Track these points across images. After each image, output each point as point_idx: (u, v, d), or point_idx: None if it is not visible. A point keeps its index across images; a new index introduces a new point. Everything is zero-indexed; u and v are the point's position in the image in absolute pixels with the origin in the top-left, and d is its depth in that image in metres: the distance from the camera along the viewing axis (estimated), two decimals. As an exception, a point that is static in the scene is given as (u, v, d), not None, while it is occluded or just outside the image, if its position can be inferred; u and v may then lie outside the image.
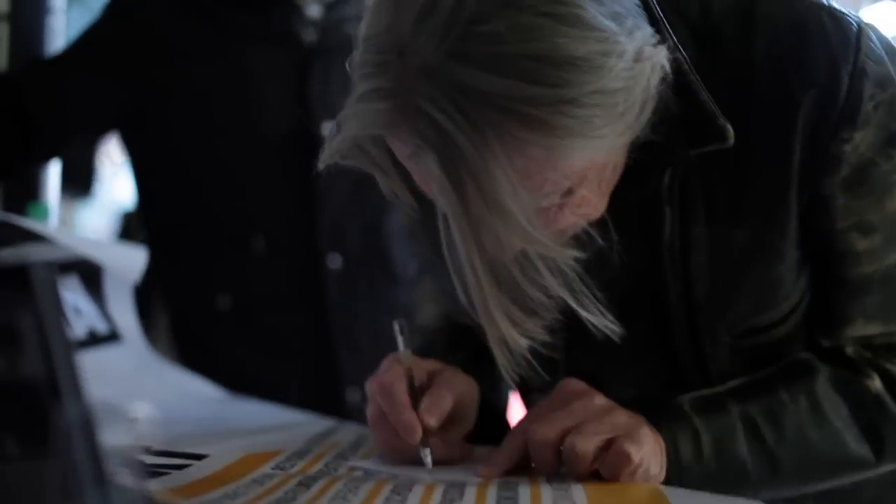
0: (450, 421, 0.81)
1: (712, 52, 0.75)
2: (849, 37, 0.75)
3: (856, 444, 0.79)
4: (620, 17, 0.63)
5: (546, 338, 0.68)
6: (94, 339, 1.13)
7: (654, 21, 0.70)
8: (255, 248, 1.31)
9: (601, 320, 0.68)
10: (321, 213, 1.32)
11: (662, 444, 0.75)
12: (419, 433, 0.77)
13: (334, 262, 1.32)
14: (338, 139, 0.67)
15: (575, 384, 0.77)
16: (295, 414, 1.09)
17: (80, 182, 2.49)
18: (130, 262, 1.18)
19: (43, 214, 1.20)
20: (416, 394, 0.78)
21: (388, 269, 1.37)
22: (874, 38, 0.76)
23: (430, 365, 0.83)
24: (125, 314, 1.19)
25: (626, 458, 0.71)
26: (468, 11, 0.59)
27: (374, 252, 1.35)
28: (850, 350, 0.81)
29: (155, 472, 0.70)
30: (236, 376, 1.27)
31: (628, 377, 0.83)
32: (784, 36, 0.75)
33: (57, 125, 1.30)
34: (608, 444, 0.72)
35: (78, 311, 1.14)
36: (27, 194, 1.29)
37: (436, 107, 0.60)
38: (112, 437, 0.45)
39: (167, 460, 0.76)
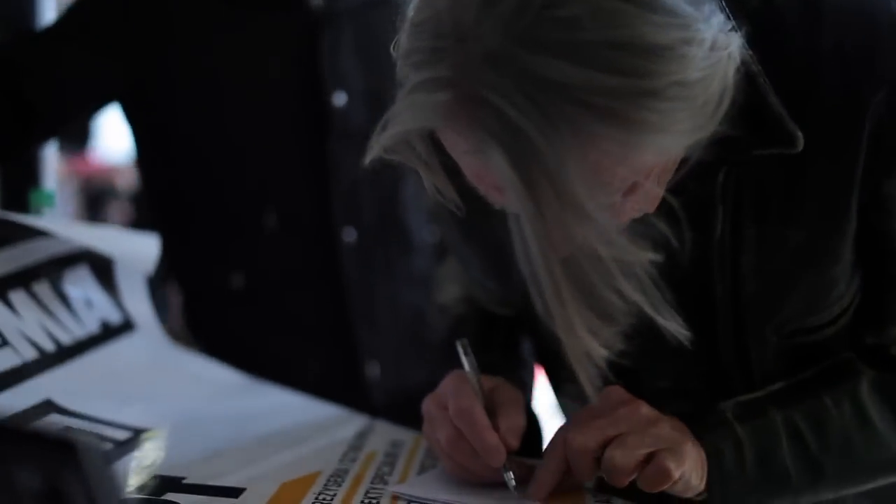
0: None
1: (775, 44, 0.70)
2: None
3: None
4: (698, 2, 0.59)
5: (622, 347, 0.65)
6: (107, 331, 1.10)
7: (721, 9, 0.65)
8: (268, 224, 1.27)
9: (675, 325, 0.65)
10: (334, 187, 1.27)
11: (704, 456, 0.74)
12: (504, 455, 0.75)
13: (349, 235, 1.28)
14: (387, 134, 0.61)
15: (619, 392, 0.75)
16: (318, 405, 1.07)
17: (75, 138, 2.42)
18: (143, 250, 1.14)
19: (46, 201, 1.15)
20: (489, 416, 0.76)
21: (403, 239, 1.33)
22: None
23: (490, 382, 0.81)
24: (139, 303, 1.15)
25: (667, 474, 0.69)
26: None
27: (390, 223, 1.31)
28: (894, 350, 0.79)
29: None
30: (252, 355, 1.25)
31: (666, 370, 0.81)
32: (853, 29, 0.71)
33: (54, 107, 1.23)
34: (649, 457, 0.70)
35: (89, 302, 1.10)
36: (28, 181, 1.23)
37: (504, 98, 0.54)
38: None
39: (204, 499, 0.73)
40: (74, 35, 1.24)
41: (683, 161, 0.65)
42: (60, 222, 1.12)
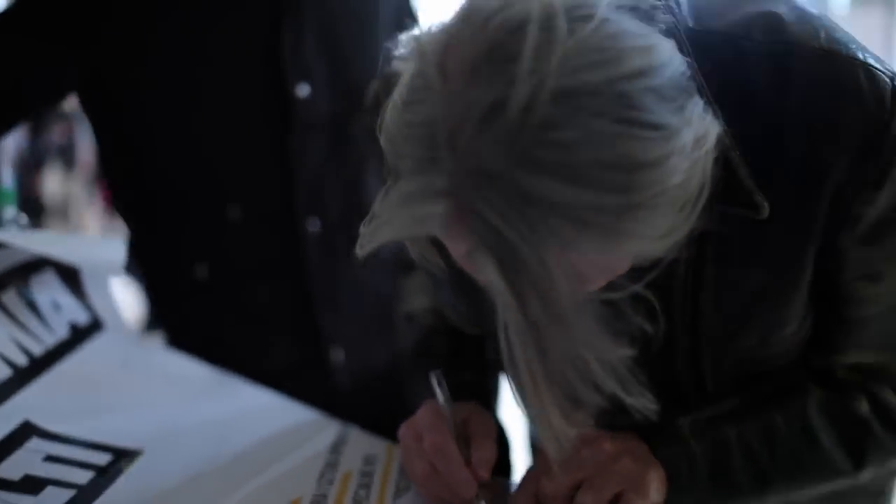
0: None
1: (744, 103, 0.73)
2: (884, 98, 0.73)
3: (841, 461, 0.85)
4: (681, 107, 0.61)
5: (591, 422, 0.69)
6: (77, 334, 1.11)
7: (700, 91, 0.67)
8: (232, 215, 1.27)
9: (644, 403, 0.68)
10: (298, 178, 1.28)
11: (663, 472, 0.80)
12: (475, 488, 0.80)
13: (313, 225, 1.30)
14: (381, 234, 0.62)
15: (584, 432, 0.80)
16: (290, 407, 1.10)
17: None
18: (108, 256, 1.14)
19: (7, 199, 1.14)
20: (461, 446, 0.82)
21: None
22: None
23: (463, 410, 0.85)
24: (105, 303, 1.16)
25: None
26: (539, 117, 0.55)
27: (354, 213, 1.31)
28: (841, 373, 0.85)
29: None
30: (218, 344, 1.27)
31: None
32: (819, 95, 0.74)
33: (11, 99, 1.21)
34: (617, 496, 0.76)
35: (57, 306, 1.11)
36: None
37: (497, 213, 0.56)
38: None
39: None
40: (30, 26, 1.21)
41: None
42: (23, 235, 1.11)
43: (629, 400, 0.65)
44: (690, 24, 0.74)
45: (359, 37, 1.33)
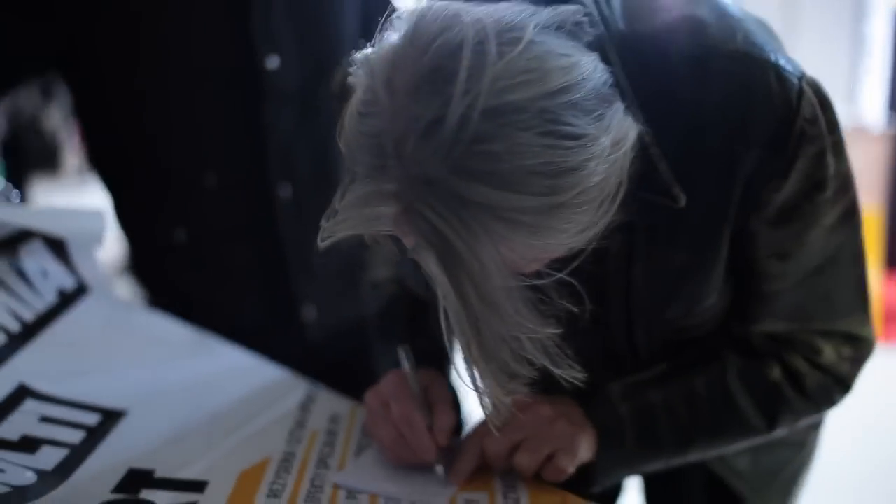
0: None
1: (668, 100, 0.82)
2: (790, 99, 0.83)
3: (756, 420, 0.96)
4: (600, 116, 0.70)
5: (525, 391, 0.78)
6: (64, 299, 1.20)
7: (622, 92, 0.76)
8: (207, 183, 1.34)
9: (571, 374, 0.78)
10: (270, 146, 1.35)
11: (594, 433, 0.91)
12: (436, 452, 0.91)
13: (285, 190, 1.37)
14: (339, 229, 0.72)
15: (535, 406, 0.91)
16: (263, 367, 1.19)
17: None
18: (91, 225, 1.22)
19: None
20: (425, 413, 0.92)
21: (336, 192, 1.42)
22: (812, 96, 0.84)
23: (425, 377, 0.96)
24: (90, 268, 1.24)
25: (563, 471, 0.89)
26: (472, 131, 0.64)
27: (323, 178, 1.39)
28: (757, 341, 0.96)
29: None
30: (196, 304, 1.36)
31: (577, 353, 0.97)
32: (733, 94, 0.83)
33: None
34: (549, 457, 0.87)
35: (45, 272, 1.19)
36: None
37: (437, 214, 0.66)
38: None
39: (174, 494, 0.87)
40: (6, 2, 1.26)
41: None
42: (10, 209, 1.18)
43: (557, 371, 0.75)
44: (622, 26, 0.83)
45: (327, 9, 1.38)
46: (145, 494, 0.88)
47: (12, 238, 1.16)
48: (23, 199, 1.20)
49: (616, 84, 0.75)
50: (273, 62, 1.32)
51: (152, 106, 1.32)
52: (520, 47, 0.67)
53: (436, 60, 0.66)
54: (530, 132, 0.66)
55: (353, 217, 0.70)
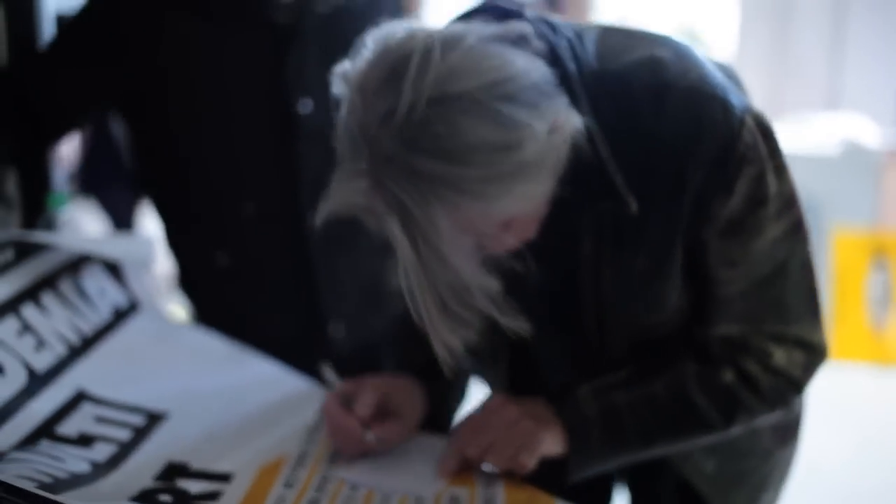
0: (387, 414, 1.12)
1: (631, 128, 0.98)
2: (732, 127, 0.98)
3: (713, 421, 1.09)
4: (534, 106, 0.86)
5: (474, 338, 0.94)
6: (118, 315, 1.37)
7: (574, 97, 0.93)
8: (247, 211, 1.51)
9: (517, 325, 0.93)
10: (302, 178, 1.50)
11: (560, 430, 1.06)
12: (357, 424, 1.08)
13: (315, 219, 1.52)
14: (328, 207, 0.91)
15: (492, 399, 1.08)
16: (290, 377, 1.35)
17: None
18: (143, 251, 1.39)
19: (61, 202, 1.39)
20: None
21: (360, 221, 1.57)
22: (753, 126, 0.99)
23: (357, 381, 1.15)
24: (142, 289, 1.42)
25: (525, 467, 1.05)
26: (419, 116, 0.82)
27: (350, 208, 1.55)
28: (714, 347, 1.08)
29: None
30: (237, 321, 1.52)
31: (553, 346, 1.12)
32: (685, 122, 0.98)
33: (58, 115, 1.45)
34: (515, 454, 1.03)
35: (102, 292, 1.37)
36: (43, 186, 1.47)
37: (396, 184, 0.84)
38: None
39: (204, 483, 1.03)
40: (73, 52, 1.45)
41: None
42: (70, 236, 1.36)
43: (503, 320, 0.91)
44: (594, 65, 0.99)
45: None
46: (180, 483, 1.04)
47: (76, 262, 1.34)
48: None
49: (570, 95, 0.92)
50: (306, 106, 1.48)
51: (197, 144, 1.49)
52: (460, 51, 0.85)
53: (393, 65, 0.85)
54: (468, 116, 0.83)
55: (337, 194, 0.89)
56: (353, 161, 0.86)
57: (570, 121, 0.89)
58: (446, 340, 0.91)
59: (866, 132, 4.16)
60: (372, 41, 0.88)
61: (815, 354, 1.08)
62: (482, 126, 0.83)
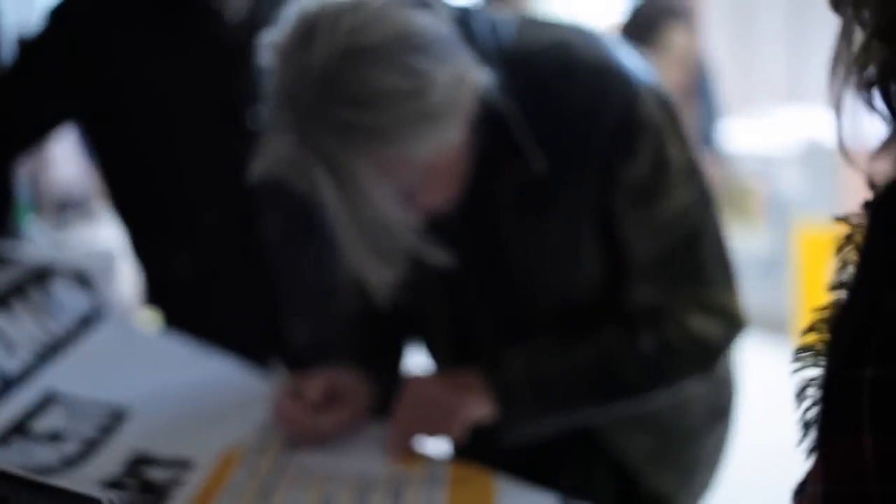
0: (337, 400, 1.20)
1: (542, 103, 1.08)
2: (632, 97, 1.08)
3: (637, 385, 1.14)
4: (439, 58, 0.96)
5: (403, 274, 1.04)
6: (84, 322, 1.43)
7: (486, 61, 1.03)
8: (210, 220, 1.58)
9: (439, 257, 1.04)
10: (255, 188, 1.57)
11: (486, 396, 1.12)
12: (309, 413, 1.17)
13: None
14: (261, 160, 1.01)
15: (412, 377, 1.18)
16: (249, 375, 1.41)
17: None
18: (102, 261, 1.46)
19: (25, 213, 1.45)
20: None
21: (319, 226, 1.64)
22: (651, 97, 1.09)
23: (305, 373, 1.23)
24: (108, 296, 1.49)
25: (453, 434, 1.14)
26: (332, 69, 0.93)
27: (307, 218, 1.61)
28: (635, 315, 1.14)
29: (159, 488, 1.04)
30: (201, 323, 1.59)
31: (487, 324, 1.21)
32: (590, 95, 1.08)
33: (22, 133, 1.53)
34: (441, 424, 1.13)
35: (70, 298, 1.43)
36: (7, 200, 1.53)
37: (319, 132, 0.94)
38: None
39: (165, 472, 1.10)
40: (32, 72, 1.52)
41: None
42: (36, 249, 1.42)
43: (424, 251, 0.99)
44: (511, 44, 1.09)
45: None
46: (143, 470, 1.10)
47: (43, 271, 1.40)
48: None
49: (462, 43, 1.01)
50: (256, 120, 1.55)
51: (158, 156, 1.56)
52: (366, 10, 0.95)
53: (307, 27, 0.95)
54: (377, 66, 0.93)
55: (267, 151, 0.98)
56: (278, 119, 0.96)
57: (475, 74, 0.99)
58: (377, 276, 1.01)
59: (826, 127, 4.24)
60: (289, 13, 0.98)
61: (731, 321, 1.14)
62: (390, 75, 0.93)
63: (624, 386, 1.14)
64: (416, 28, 0.95)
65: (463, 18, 1.05)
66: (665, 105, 1.10)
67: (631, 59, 1.12)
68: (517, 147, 1.06)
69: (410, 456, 1.13)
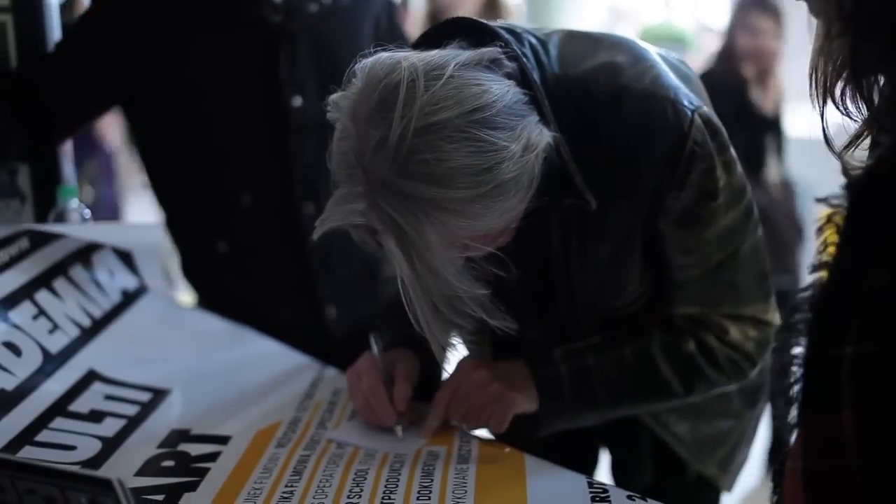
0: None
1: (589, 131, 1.07)
2: (683, 126, 1.06)
3: (674, 385, 1.17)
4: (510, 128, 0.94)
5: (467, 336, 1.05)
6: (127, 298, 1.47)
7: (541, 111, 1.00)
8: (244, 202, 1.60)
9: (505, 325, 1.02)
10: (295, 171, 1.60)
11: (532, 390, 1.15)
12: (394, 417, 1.15)
13: (308, 208, 1.61)
14: (327, 223, 0.98)
15: (466, 365, 1.17)
16: (286, 352, 1.44)
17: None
18: (151, 236, 1.49)
19: (70, 194, 1.48)
20: (388, 384, 1.17)
21: None
22: (701, 125, 1.07)
23: (391, 358, 1.21)
24: (151, 273, 1.52)
25: (498, 428, 1.14)
26: (408, 145, 0.90)
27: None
28: (676, 320, 1.18)
29: (196, 466, 1.07)
30: (237, 304, 1.62)
31: (535, 330, 1.21)
32: (639, 125, 1.07)
33: (67, 113, 1.56)
34: (488, 417, 1.13)
35: (112, 274, 1.47)
36: (53, 180, 1.57)
37: (390, 206, 0.92)
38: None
39: (203, 446, 1.13)
40: (78, 54, 1.55)
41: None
42: (78, 228, 1.45)
43: (493, 322, 1.00)
44: (556, 70, 1.07)
45: (344, 51, 1.63)
46: (182, 447, 1.14)
47: (86, 248, 1.44)
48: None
49: (540, 115, 0.99)
50: (297, 101, 1.58)
51: (196, 139, 1.59)
52: (441, 81, 0.92)
53: (382, 95, 0.92)
54: (452, 143, 0.91)
55: (335, 213, 0.97)
56: (349, 184, 0.94)
57: (542, 137, 0.97)
58: (441, 341, 1.00)
59: (810, 121, 4.16)
60: (360, 72, 0.96)
61: (767, 332, 1.17)
62: (464, 151, 0.91)
63: (663, 385, 1.17)
64: (489, 99, 0.93)
65: (512, 45, 1.03)
66: (714, 131, 1.08)
67: (678, 79, 1.10)
68: (566, 182, 1.05)
69: (441, 435, 1.15)
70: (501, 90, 0.95)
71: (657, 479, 1.31)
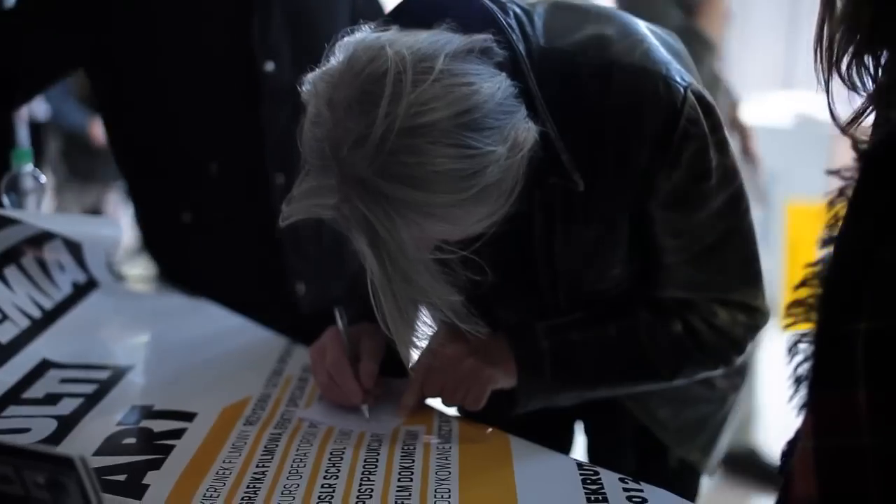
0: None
1: (577, 106, 1.00)
2: (676, 103, 1.00)
3: (659, 366, 1.12)
4: (498, 128, 0.87)
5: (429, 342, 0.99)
6: (77, 291, 1.39)
7: (528, 89, 0.94)
8: (211, 171, 1.53)
9: (476, 328, 0.97)
10: (266, 139, 1.53)
11: (510, 365, 1.09)
12: (360, 395, 1.09)
13: (279, 179, 1.54)
14: (292, 212, 0.91)
15: (441, 336, 1.10)
16: (251, 327, 1.38)
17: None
18: (105, 233, 1.42)
19: (25, 158, 1.40)
20: (354, 361, 1.11)
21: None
22: (695, 102, 1.01)
23: (357, 333, 1.14)
24: (100, 268, 1.45)
25: (475, 405, 1.08)
26: (390, 145, 0.83)
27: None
28: (664, 303, 1.13)
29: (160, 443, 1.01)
30: (201, 277, 1.55)
31: (514, 311, 1.15)
32: (629, 101, 1.01)
33: (28, 74, 1.47)
34: (465, 394, 1.08)
35: (62, 268, 1.40)
36: (8, 144, 1.48)
37: (365, 206, 0.85)
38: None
39: (168, 423, 1.06)
40: (37, 13, 1.46)
41: None
42: (34, 214, 1.36)
43: (463, 326, 0.94)
44: (542, 42, 1.01)
45: (318, 18, 1.57)
46: (144, 423, 1.07)
47: (38, 237, 1.36)
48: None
49: (525, 92, 0.93)
50: (269, 66, 1.51)
51: (162, 104, 1.51)
52: (430, 78, 0.85)
53: (365, 85, 0.85)
54: (437, 146, 0.84)
55: (304, 204, 0.90)
56: (321, 175, 0.87)
57: (529, 134, 0.91)
58: (407, 342, 0.95)
59: (818, 107, 4.22)
60: (341, 51, 0.89)
61: (757, 318, 1.13)
62: (449, 155, 0.84)
63: (648, 366, 1.12)
64: (478, 100, 0.86)
65: (497, 15, 0.97)
66: (707, 109, 1.02)
67: (669, 53, 1.04)
68: (551, 159, 0.98)
69: (419, 414, 1.10)
70: (492, 88, 0.88)
71: (637, 464, 1.26)
